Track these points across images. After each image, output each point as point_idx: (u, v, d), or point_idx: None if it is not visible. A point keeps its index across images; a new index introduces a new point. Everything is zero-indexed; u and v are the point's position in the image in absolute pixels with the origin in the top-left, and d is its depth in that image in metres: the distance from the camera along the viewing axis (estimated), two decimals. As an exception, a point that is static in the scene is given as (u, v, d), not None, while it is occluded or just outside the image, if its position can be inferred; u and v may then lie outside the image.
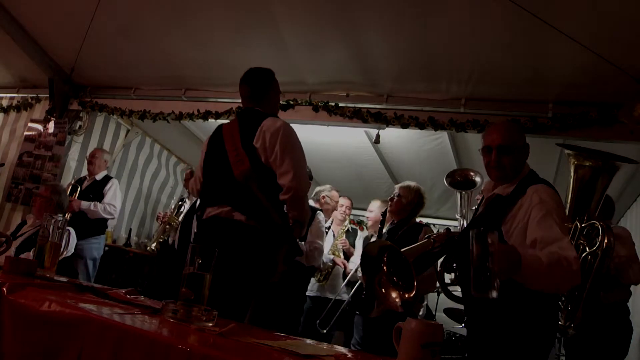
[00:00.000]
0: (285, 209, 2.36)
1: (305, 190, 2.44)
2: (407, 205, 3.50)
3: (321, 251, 3.87)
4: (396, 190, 3.59)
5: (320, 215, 3.88)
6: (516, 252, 1.54)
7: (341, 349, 1.50)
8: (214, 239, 2.31)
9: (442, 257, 1.91)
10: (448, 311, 4.49)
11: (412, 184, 3.61)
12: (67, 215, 4.06)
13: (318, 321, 3.81)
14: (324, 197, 4.24)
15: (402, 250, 1.75)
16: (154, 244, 4.55)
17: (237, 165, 2.32)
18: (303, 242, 3.66)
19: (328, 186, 4.37)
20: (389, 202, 3.59)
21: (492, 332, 1.84)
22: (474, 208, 2.19)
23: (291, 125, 2.45)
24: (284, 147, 2.31)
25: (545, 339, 1.80)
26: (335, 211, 4.45)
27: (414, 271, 1.69)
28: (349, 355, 1.41)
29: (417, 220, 3.67)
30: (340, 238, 4.41)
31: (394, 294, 1.72)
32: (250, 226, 2.29)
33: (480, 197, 2.11)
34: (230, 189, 2.34)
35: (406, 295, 1.70)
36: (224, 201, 2.35)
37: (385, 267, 1.75)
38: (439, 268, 2.00)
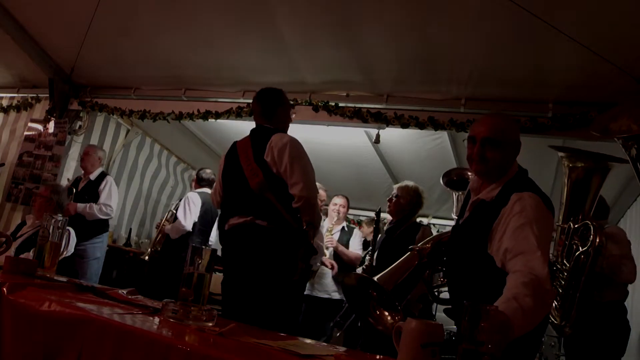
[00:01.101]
0: (299, 214, 2.58)
1: (315, 197, 2.66)
2: (406, 206, 3.50)
3: (322, 251, 3.87)
4: (394, 191, 3.58)
5: None
6: (507, 323, 1.23)
7: (341, 349, 1.50)
8: (241, 243, 2.57)
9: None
10: (448, 311, 4.47)
11: (411, 184, 3.60)
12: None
13: (332, 324, 3.78)
14: None
15: (383, 273, 1.79)
16: (147, 255, 4.60)
17: (252, 178, 2.57)
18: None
19: (317, 184, 4.35)
20: (388, 203, 3.58)
21: None
22: (460, 205, 2.16)
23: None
24: (292, 160, 2.54)
25: (533, 336, 1.76)
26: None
27: (396, 301, 1.75)
28: (349, 355, 1.41)
29: (417, 220, 3.67)
30: (327, 236, 4.33)
31: (387, 316, 1.76)
32: (273, 229, 2.53)
33: (467, 192, 2.02)
34: (249, 200, 2.58)
35: (396, 318, 1.74)
36: (245, 212, 2.58)
37: (374, 293, 1.79)
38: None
